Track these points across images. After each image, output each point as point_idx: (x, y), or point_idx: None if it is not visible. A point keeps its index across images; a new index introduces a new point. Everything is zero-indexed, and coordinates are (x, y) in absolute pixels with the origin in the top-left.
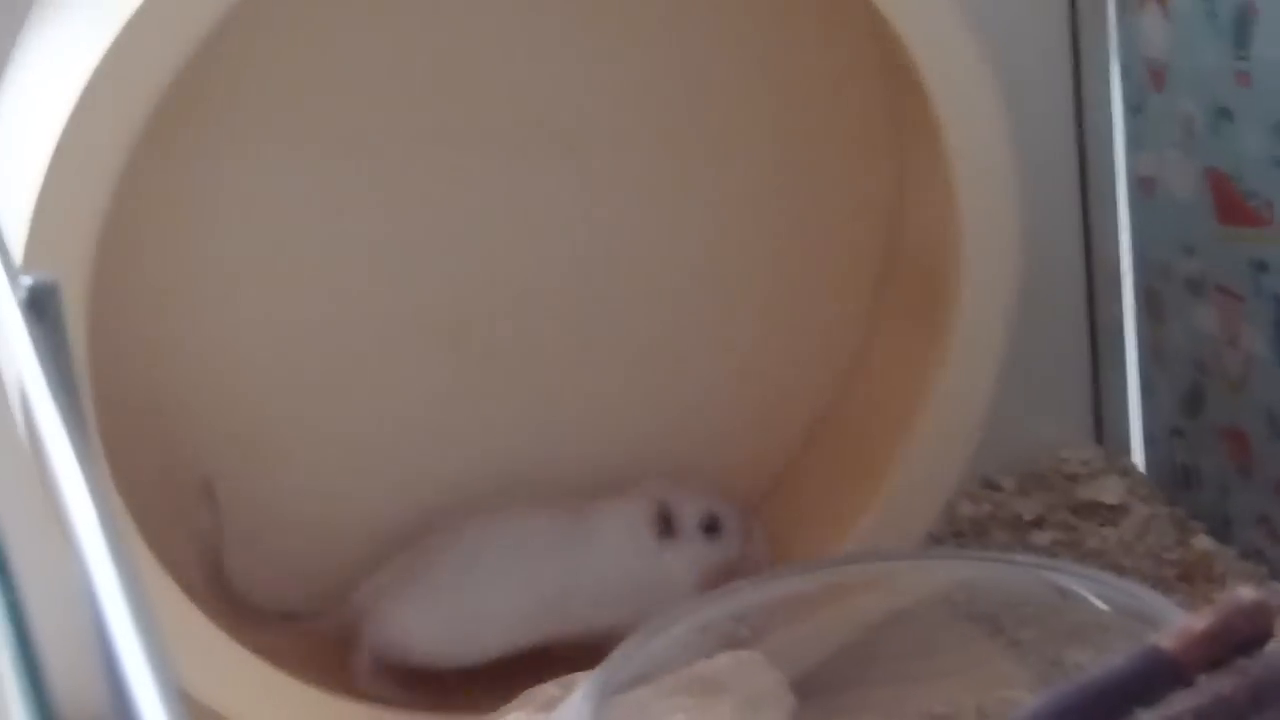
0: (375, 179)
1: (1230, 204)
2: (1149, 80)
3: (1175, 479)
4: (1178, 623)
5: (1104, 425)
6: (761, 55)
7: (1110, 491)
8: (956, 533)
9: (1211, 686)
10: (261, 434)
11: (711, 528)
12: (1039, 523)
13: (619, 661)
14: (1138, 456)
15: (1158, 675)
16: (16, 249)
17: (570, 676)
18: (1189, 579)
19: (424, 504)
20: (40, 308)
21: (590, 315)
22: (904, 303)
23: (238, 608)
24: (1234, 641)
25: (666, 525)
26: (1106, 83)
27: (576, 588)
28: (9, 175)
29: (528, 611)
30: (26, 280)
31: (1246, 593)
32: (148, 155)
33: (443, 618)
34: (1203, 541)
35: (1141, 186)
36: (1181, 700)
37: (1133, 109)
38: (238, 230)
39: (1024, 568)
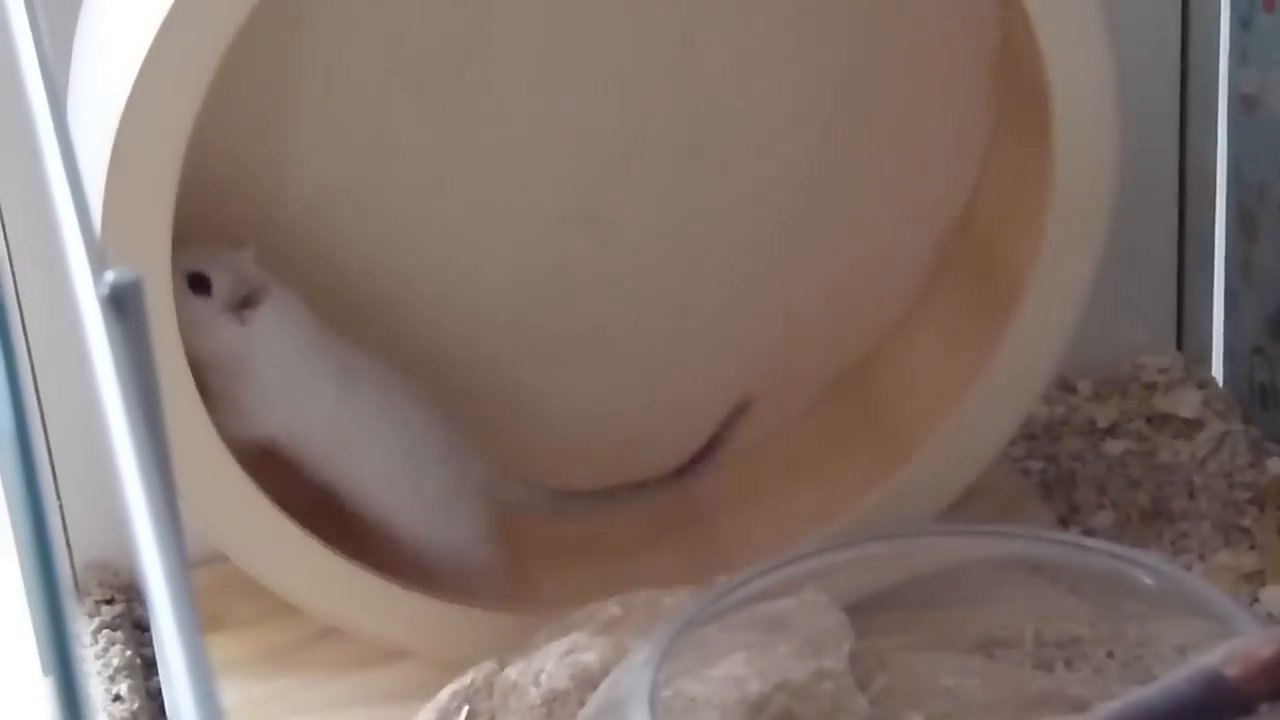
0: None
1: None
2: None
3: (1252, 396)
4: (1242, 647)
5: (1185, 335)
6: None
7: (1187, 404)
8: (1028, 435)
9: (1274, 716)
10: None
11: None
12: (1112, 430)
13: (690, 612)
14: (1216, 369)
15: (1219, 702)
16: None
17: (633, 594)
18: (1259, 502)
19: None
20: (121, 306)
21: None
22: (1001, 204)
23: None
24: None
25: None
26: None
27: None
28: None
29: None
30: (109, 276)
31: None
32: None
33: None
34: (1277, 465)
35: (1243, 103)
36: None
37: (1241, 23)
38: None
39: (1093, 554)
